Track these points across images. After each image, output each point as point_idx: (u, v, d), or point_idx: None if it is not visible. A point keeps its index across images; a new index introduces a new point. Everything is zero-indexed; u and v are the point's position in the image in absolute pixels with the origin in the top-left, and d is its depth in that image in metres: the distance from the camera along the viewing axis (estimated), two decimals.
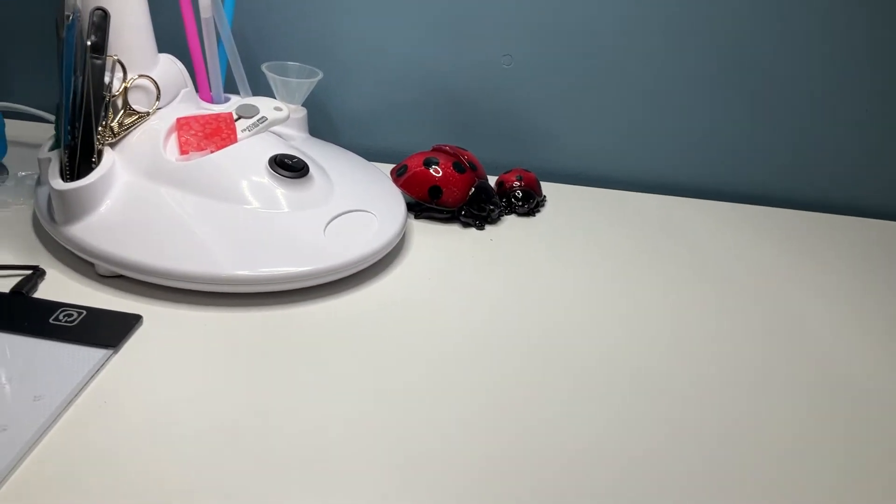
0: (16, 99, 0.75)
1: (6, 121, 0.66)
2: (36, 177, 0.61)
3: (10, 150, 0.66)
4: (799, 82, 0.76)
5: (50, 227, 0.55)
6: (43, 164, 0.57)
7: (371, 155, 0.73)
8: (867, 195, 0.81)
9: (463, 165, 0.68)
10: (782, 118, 0.78)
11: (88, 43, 0.54)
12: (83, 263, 0.55)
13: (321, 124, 0.81)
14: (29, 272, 0.53)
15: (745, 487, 0.42)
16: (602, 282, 0.62)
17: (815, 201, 0.82)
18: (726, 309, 0.60)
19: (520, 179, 0.72)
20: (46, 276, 0.54)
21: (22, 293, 0.50)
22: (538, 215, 0.72)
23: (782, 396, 0.50)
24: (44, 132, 0.70)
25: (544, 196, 0.74)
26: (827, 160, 0.80)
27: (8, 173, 0.66)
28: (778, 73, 0.75)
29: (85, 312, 0.49)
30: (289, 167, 0.58)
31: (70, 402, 0.42)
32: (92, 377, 0.44)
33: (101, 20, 0.55)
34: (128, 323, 0.49)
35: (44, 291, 0.52)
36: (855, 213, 0.81)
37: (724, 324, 0.58)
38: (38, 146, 0.59)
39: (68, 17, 0.53)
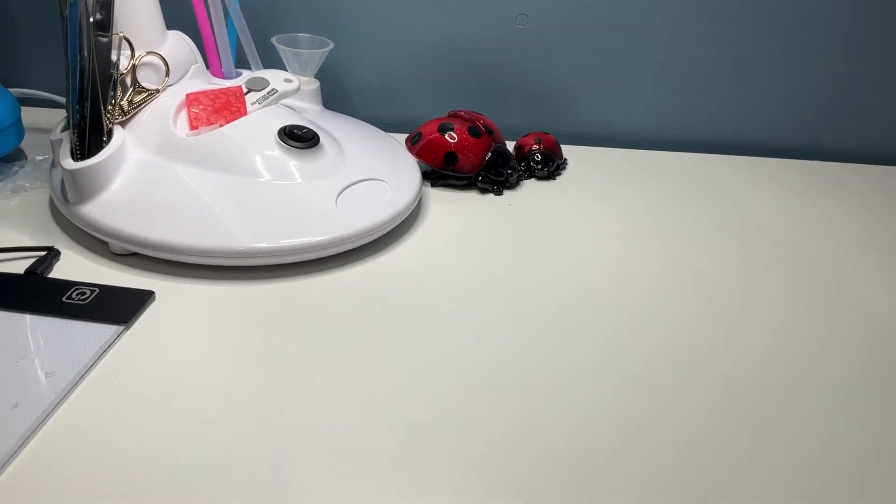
0: (32, 85, 0.75)
1: (23, 107, 0.66)
2: (51, 160, 0.61)
3: (27, 135, 0.66)
4: (820, 20, 0.73)
5: (64, 207, 0.55)
6: (55, 145, 0.57)
7: (389, 126, 0.72)
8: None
9: (479, 130, 0.66)
10: (813, 66, 0.75)
11: (92, 20, 0.54)
12: (97, 243, 0.55)
13: (337, 97, 0.80)
14: (43, 253, 0.53)
15: (786, 448, 0.41)
16: (626, 243, 0.60)
17: (851, 152, 0.78)
18: (762, 268, 0.58)
19: (538, 142, 0.70)
20: (62, 257, 0.54)
21: (36, 273, 0.51)
22: (559, 178, 0.70)
23: (834, 352, 0.49)
24: (60, 116, 0.70)
25: (565, 159, 0.72)
26: (867, 108, 0.77)
27: (26, 158, 0.67)
28: (807, 17, 0.72)
29: (98, 290, 0.49)
30: (298, 138, 0.57)
31: (81, 378, 0.42)
32: (103, 353, 0.44)
33: None
34: (140, 299, 0.49)
35: (59, 271, 0.52)
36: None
37: (762, 283, 0.56)
38: None
39: None
